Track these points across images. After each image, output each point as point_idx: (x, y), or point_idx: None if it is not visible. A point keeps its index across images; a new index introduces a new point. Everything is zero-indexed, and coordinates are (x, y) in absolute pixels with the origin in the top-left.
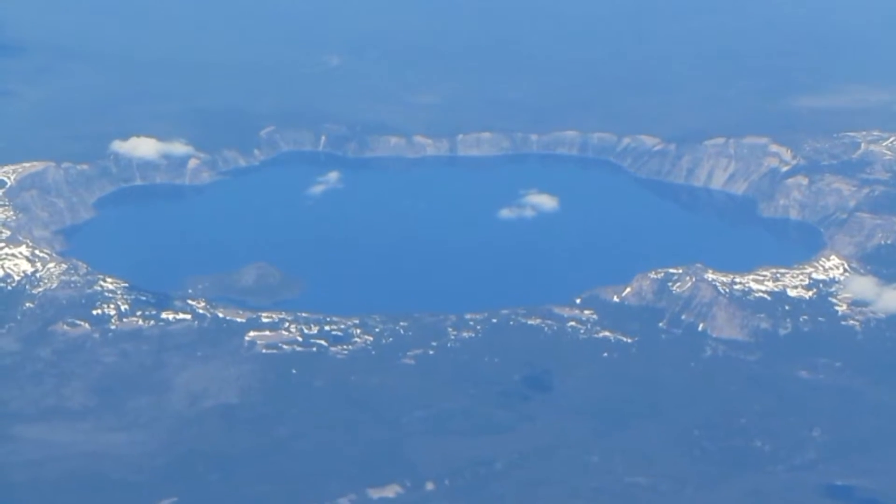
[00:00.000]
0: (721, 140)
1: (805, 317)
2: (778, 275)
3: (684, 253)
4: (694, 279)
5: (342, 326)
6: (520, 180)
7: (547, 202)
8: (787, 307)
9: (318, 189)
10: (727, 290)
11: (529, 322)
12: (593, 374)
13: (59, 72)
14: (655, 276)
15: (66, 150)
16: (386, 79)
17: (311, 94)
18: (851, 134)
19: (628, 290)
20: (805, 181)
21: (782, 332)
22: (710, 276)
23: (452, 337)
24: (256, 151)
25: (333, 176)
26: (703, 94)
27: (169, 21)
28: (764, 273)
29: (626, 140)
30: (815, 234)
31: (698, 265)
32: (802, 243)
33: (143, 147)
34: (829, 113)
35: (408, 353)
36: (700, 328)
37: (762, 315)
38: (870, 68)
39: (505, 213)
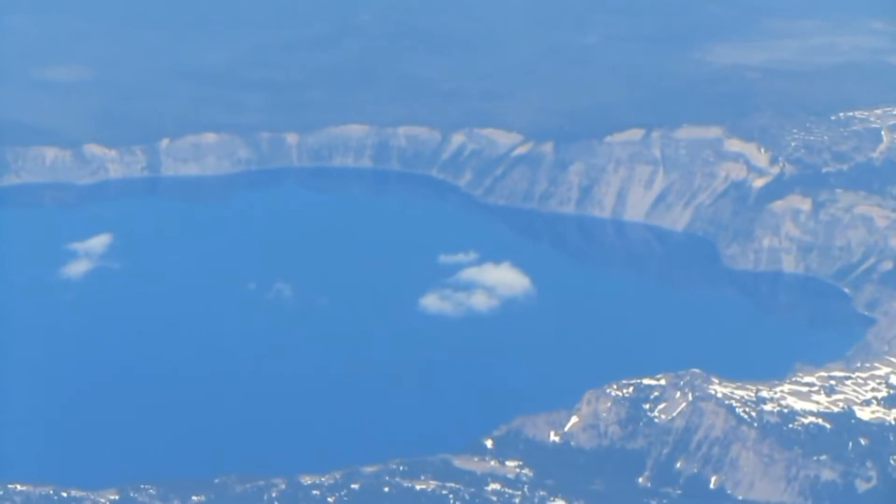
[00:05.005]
0: (637, 133)
1: None
2: (831, 382)
3: (641, 345)
4: (690, 395)
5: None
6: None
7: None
8: (861, 440)
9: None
10: (752, 413)
11: (416, 486)
12: None
13: None
14: (618, 393)
15: None
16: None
17: None
18: (858, 114)
19: (574, 419)
20: (805, 205)
21: (861, 485)
22: (715, 388)
23: None
24: None
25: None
26: (580, 56)
27: None
28: (807, 379)
29: (457, 138)
30: (837, 296)
31: (694, 370)
32: (823, 317)
33: None
34: (790, 74)
35: None
36: (713, 485)
37: (822, 456)
38: None
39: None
